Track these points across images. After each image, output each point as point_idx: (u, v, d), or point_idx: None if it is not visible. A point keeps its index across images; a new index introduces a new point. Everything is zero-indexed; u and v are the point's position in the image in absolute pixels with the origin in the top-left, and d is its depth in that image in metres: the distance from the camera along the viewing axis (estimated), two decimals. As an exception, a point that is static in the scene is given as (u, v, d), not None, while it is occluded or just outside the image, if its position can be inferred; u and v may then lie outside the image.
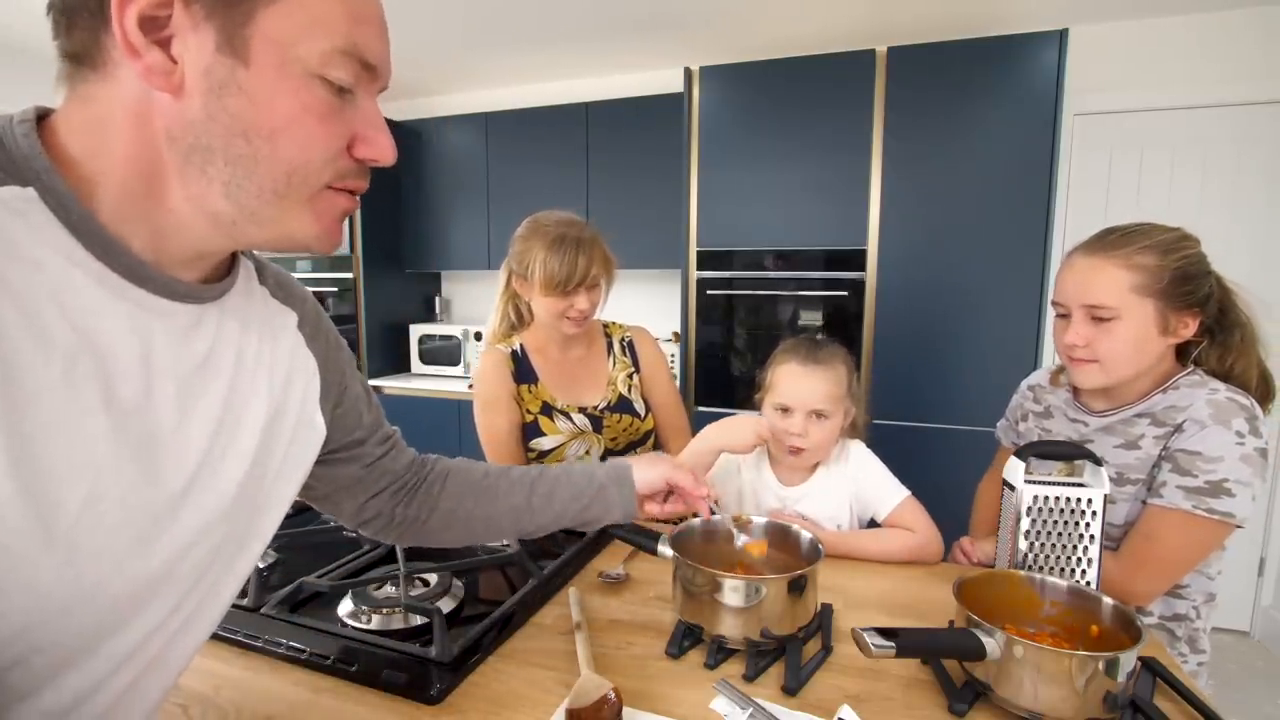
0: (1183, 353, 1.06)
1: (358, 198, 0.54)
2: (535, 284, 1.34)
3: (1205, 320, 1.01)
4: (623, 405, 1.47)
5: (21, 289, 0.39)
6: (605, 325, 1.56)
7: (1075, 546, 0.93)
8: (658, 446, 1.59)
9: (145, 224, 0.46)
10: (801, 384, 1.16)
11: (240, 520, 0.56)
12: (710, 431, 1.18)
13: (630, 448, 1.51)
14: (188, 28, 0.42)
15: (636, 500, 0.90)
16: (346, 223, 0.63)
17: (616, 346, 1.53)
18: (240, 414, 0.55)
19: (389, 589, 0.94)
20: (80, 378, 0.42)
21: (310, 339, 0.67)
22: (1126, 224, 1.04)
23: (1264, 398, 1.03)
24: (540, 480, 0.89)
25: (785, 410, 1.17)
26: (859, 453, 1.23)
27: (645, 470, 0.91)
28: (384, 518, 0.82)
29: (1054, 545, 0.94)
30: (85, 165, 0.44)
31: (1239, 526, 0.95)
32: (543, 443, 1.42)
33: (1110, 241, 1.01)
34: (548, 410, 1.43)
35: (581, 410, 1.44)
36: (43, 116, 0.45)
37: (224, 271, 0.56)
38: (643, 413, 1.50)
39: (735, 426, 1.16)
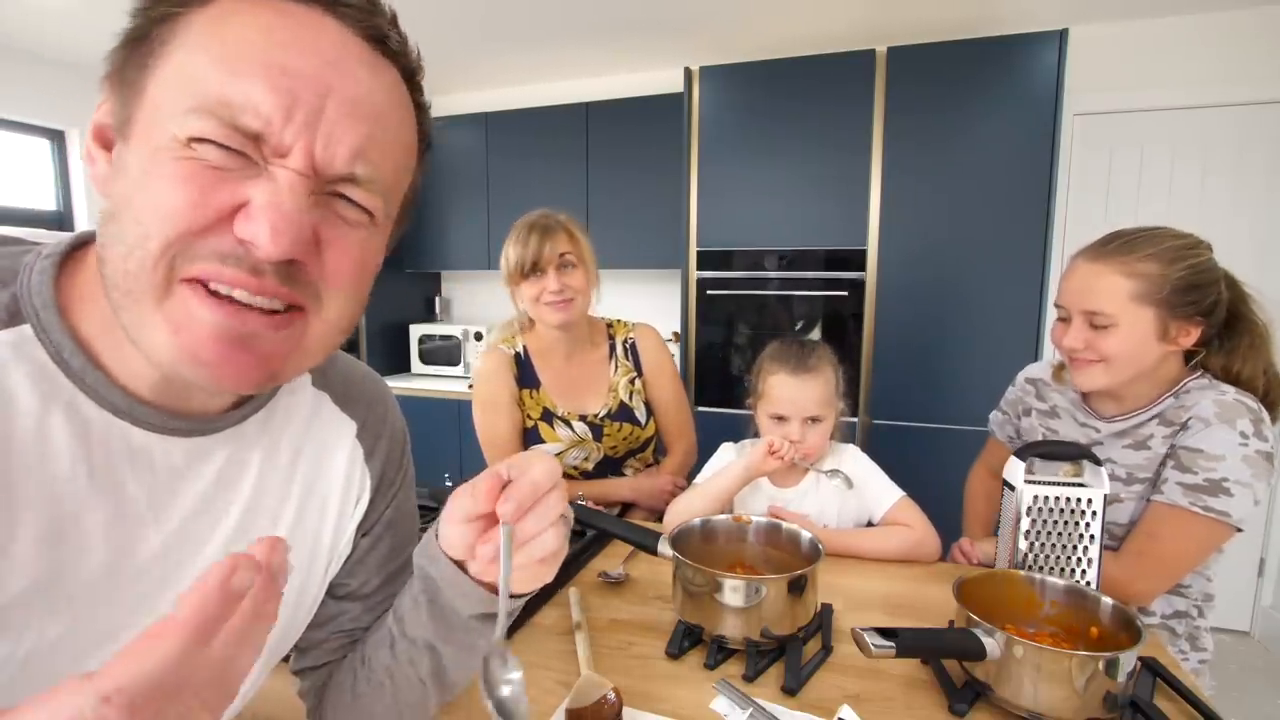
0: (1190, 354, 1.05)
1: (266, 319, 0.39)
2: (507, 277, 1.38)
3: (1208, 330, 1.00)
4: (623, 413, 1.47)
5: None
6: (609, 325, 1.54)
7: (1075, 546, 0.93)
8: (659, 451, 1.58)
9: (124, 352, 0.41)
10: (796, 393, 1.17)
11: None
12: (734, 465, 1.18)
13: (629, 455, 1.50)
14: (113, 124, 0.40)
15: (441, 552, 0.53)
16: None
17: (620, 349, 1.51)
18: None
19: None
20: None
21: (369, 455, 0.59)
22: (1137, 228, 1.02)
23: (1273, 403, 1.02)
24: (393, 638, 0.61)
25: (781, 419, 1.18)
26: (853, 456, 1.24)
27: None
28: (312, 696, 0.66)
29: (1054, 545, 0.94)
30: (90, 296, 0.42)
31: (1237, 529, 0.94)
32: (542, 449, 1.42)
33: (1114, 248, 1.00)
34: (548, 417, 1.43)
35: (582, 418, 1.44)
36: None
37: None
38: (643, 420, 1.49)
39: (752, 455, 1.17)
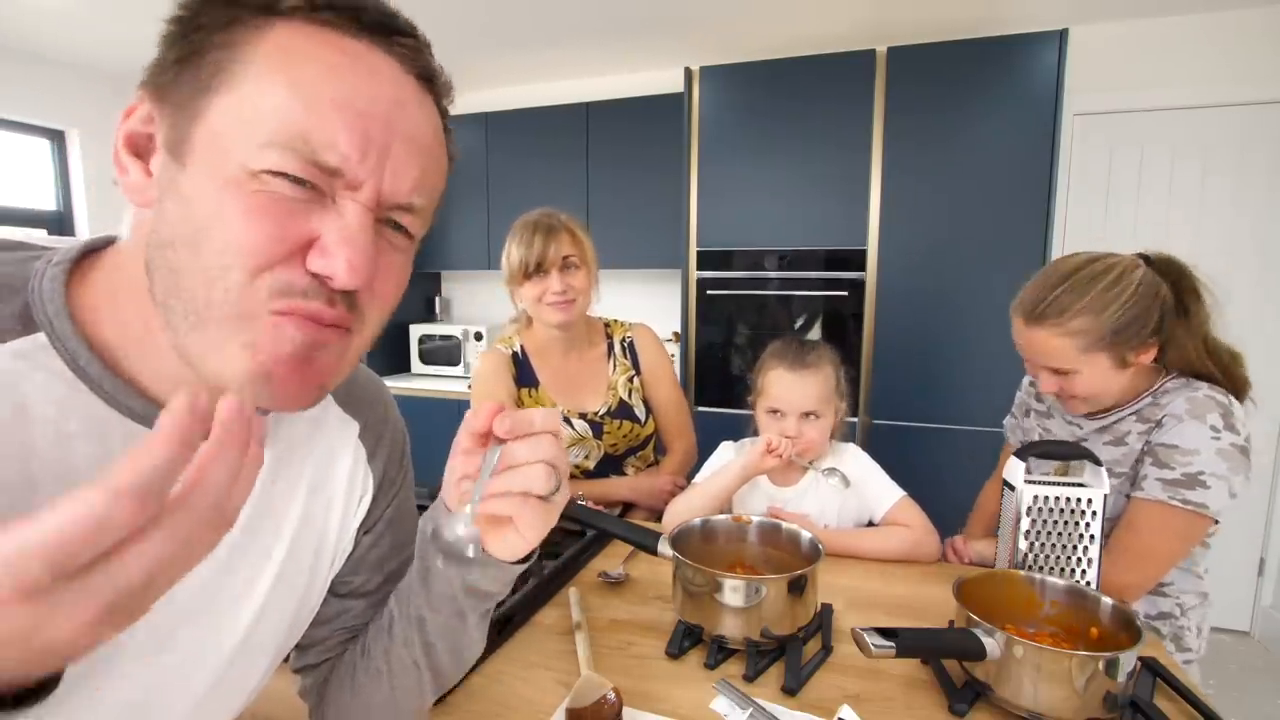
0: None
1: (327, 332, 0.42)
2: (509, 277, 1.38)
3: (1163, 340, 1.02)
4: (623, 411, 1.47)
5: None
6: (607, 324, 1.54)
7: (1075, 546, 0.94)
8: (659, 449, 1.58)
9: (149, 359, 0.43)
10: (792, 388, 1.17)
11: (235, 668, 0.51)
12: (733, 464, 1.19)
13: (630, 453, 1.50)
14: (158, 140, 0.40)
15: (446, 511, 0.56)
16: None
17: (618, 348, 1.51)
18: (258, 561, 0.51)
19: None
20: None
21: (372, 455, 0.61)
22: (1060, 275, 1.01)
23: (1236, 364, 1.05)
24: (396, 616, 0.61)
25: (778, 414, 1.19)
26: (854, 455, 1.24)
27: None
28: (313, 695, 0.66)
29: (1054, 545, 0.94)
30: (109, 302, 0.43)
31: (1215, 521, 0.97)
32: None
33: (1042, 311, 1.01)
34: None
35: (582, 416, 1.44)
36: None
37: None
38: (643, 417, 1.49)
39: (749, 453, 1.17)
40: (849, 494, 1.19)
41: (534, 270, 1.34)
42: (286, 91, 0.38)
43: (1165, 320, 1.00)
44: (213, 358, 0.40)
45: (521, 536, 0.51)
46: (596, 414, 1.45)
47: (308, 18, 0.40)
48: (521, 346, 1.46)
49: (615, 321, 1.56)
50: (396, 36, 0.42)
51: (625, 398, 1.48)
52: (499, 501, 0.48)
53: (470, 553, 0.49)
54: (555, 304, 1.36)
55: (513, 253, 1.36)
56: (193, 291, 0.38)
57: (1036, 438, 1.23)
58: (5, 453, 0.38)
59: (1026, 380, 1.31)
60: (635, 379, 1.50)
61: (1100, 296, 0.98)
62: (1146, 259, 1.04)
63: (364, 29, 0.41)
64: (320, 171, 0.39)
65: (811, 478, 1.22)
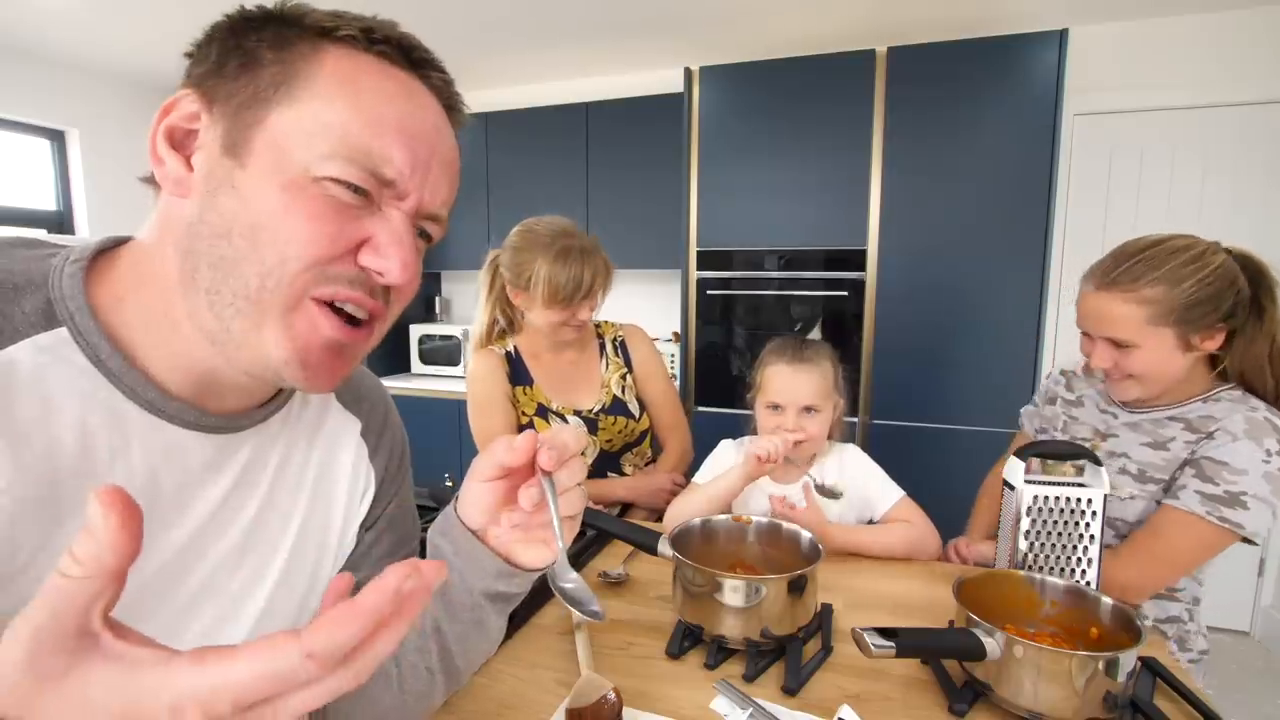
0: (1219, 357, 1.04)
1: (360, 332, 0.46)
2: (538, 296, 1.32)
3: (1233, 329, 0.99)
4: (617, 407, 1.47)
5: (24, 432, 0.39)
6: (597, 325, 1.55)
7: (1075, 546, 0.93)
8: (654, 446, 1.58)
9: (167, 350, 0.45)
10: (791, 382, 1.18)
11: None
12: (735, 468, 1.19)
13: (625, 449, 1.50)
14: (208, 138, 0.43)
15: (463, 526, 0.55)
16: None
17: (609, 347, 1.52)
18: (266, 555, 0.52)
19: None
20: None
21: (374, 452, 0.62)
22: (1140, 245, 1.00)
23: None
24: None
25: (777, 408, 1.19)
26: (854, 456, 1.24)
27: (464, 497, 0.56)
28: None
29: (1054, 545, 0.94)
30: (128, 296, 0.45)
31: (1245, 540, 0.95)
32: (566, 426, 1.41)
33: (1117, 275, 0.99)
34: (543, 412, 1.43)
35: (576, 413, 1.44)
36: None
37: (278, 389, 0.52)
38: (637, 413, 1.49)
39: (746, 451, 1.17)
40: (849, 494, 1.19)
41: (569, 300, 1.31)
42: (350, 110, 0.43)
43: (1239, 310, 0.98)
44: (255, 340, 0.43)
45: (549, 549, 0.53)
46: (591, 411, 1.45)
47: (365, 48, 0.45)
48: (515, 347, 1.46)
49: (605, 323, 1.56)
50: (434, 72, 0.49)
51: (619, 394, 1.48)
52: (544, 530, 0.51)
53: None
54: (576, 326, 1.36)
55: (555, 274, 1.29)
56: (246, 279, 0.42)
57: (1059, 426, 1.22)
58: (34, 446, 0.39)
59: (1057, 370, 1.30)
60: (628, 376, 1.51)
61: (1178, 270, 0.96)
62: (1227, 251, 1.01)
63: (411, 63, 0.47)
64: (377, 182, 0.44)
65: (814, 473, 1.22)
